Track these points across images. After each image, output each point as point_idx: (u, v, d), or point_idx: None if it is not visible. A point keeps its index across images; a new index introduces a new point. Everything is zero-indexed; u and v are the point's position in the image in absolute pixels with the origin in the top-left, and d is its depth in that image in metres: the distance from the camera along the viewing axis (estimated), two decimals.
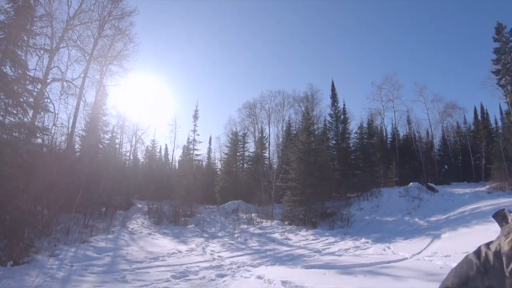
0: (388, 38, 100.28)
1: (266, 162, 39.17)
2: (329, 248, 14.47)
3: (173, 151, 45.64)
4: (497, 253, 1.10)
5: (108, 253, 11.63)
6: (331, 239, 16.50)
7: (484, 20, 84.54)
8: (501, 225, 1.22)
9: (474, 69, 78.70)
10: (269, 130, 44.43)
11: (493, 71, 33.32)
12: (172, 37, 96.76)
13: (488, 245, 1.17)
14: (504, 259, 1.07)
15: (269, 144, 42.94)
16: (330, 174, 25.11)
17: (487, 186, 27.00)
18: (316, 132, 35.11)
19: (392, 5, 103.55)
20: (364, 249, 13.94)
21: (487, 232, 11.01)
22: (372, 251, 13.25)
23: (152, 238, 15.68)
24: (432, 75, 78.78)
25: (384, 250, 13.30)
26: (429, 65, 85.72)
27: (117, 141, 33.79)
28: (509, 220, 1.14)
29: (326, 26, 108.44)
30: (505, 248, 1.08)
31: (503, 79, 32.38)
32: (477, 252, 1.19)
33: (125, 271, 9.34)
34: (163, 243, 14.76)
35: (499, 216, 1.22)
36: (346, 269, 9.59)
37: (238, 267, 10.51)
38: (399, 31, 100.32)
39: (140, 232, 16.83)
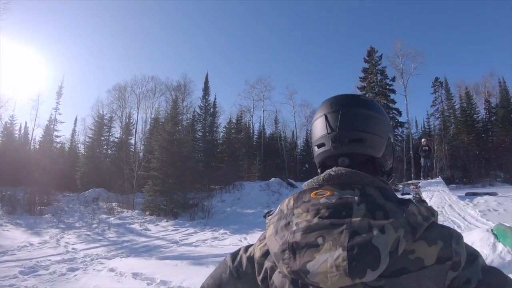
0: (267, 43, 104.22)
1: (131, 149, 38.27)
2: (187, 239, 14.87)
3: (33, 131, 40.38)
4: (250, 259, 1.04)
5: None
6: (191, 230, 16.96)
7: (357, 41, 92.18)
8: None
9: (341, 82, 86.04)
10: (138, 116, 43.21)
11: (359, 87, 39.02)
12: (48, 3, 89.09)
13: (247, 248, 1.11)
14: (256, 266, 1.01)
15: (135, 131, 41.81)
16: (193, 165, 25.51)
17: None
18: (184, 123, 35.47)
19: (273, 13, 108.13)
20: (222, 240, 14.57)
21: None
22: (229, 242, 13.88)
23: (3, 230, 14.54)
24: (303, 82, 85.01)
25: (240, 241, 13.99)
26: (302, 72, 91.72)
27: None
28: (266, 224, 1.03)
29: (206, 20, 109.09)
30: (257, 254, 1.02)
31: (367, 95, 37.34)
32: (234, 254, 1.11)
33: None
34: (14, 235, 13.79)
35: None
36: (199, 260, 9.92)
37: (92, 259, 10.39)
38: (277, 37, 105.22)
39: None
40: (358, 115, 1.04)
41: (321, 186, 0.95)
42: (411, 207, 0.86)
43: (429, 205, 0.92)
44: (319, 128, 1.09)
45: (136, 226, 17.12)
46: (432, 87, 42.41)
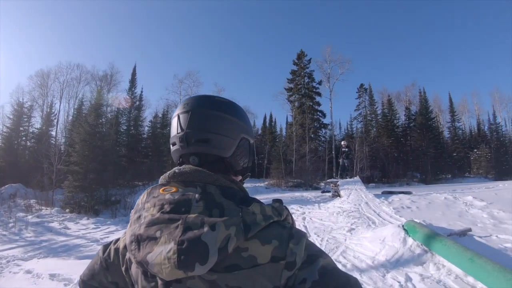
0: (199, 38, 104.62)
1: (52, 141, 36.22)
2: (108, 237, 14.37)
3: None
4: (117, 250, 1.09)
5: None
6: (113, 228, 16.61)
7: (290, 44, 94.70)
8: None
9: (272, 82, 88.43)
10: (60, 106, 41.22)
11: (286, 88, 41.10)
12: None
13: (117, 240, 1.14)
14: (120, 257, 1.06)
15: (57, 122, 39.67)
16: (115, 160, 25.00)
17: (266, 183, 31.92)
18: (109, 115, 34.48)
19: (209, 8, 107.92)
20: None
21: None
22: None
23: None
24: (233, 80, 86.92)
25: None
26: (234, 70, 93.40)
27: None
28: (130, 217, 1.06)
29: (139, 10, 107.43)
30: (121, 245, 1.08)
31: (293, 96, 40.18)
32: (106, 246, 1.15)
33: None
34: None
35: None
36: None
37: (8, 261, 10.06)
38: (210, 32, 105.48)
39: None
40: (207, 116, 1.08)
41: (169, 182, 1.01)
42: (253, 206, 0.91)
43: (282, 205, 1.00)
44: (172, 127, 1.13)
45: (55, 225, 16.59)
46: (357, 92, 46.12)
